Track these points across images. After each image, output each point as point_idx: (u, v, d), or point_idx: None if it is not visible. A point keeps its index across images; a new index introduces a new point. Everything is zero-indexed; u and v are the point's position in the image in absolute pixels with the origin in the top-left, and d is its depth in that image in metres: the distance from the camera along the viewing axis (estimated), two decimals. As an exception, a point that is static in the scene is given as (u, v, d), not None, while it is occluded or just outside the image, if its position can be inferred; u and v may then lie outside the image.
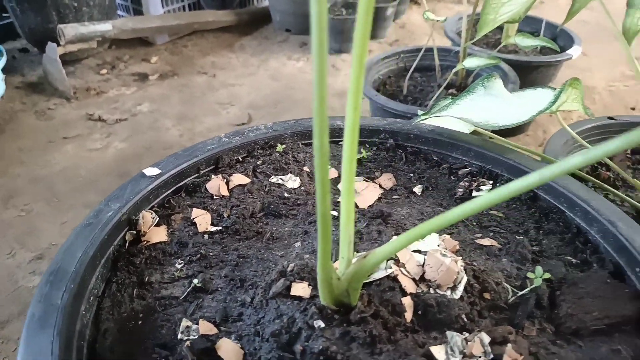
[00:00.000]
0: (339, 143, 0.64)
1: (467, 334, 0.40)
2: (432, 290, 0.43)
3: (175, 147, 1.32)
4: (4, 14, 1.89)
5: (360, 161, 0.62)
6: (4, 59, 1.46)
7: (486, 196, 0.31)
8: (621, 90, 1.57)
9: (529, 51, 1.28)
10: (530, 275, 0.44)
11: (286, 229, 0.52)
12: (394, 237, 0.48)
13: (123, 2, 1.93)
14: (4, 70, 1.45)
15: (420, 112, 0.81)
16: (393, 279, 0.42)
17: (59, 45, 1.57)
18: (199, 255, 0.47)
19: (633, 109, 1.49)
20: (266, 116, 1.46)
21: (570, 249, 0.50)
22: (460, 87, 1.09)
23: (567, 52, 1.19)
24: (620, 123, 0.84)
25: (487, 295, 0.44)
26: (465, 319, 0.41)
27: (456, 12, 2.20)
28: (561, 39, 1.35)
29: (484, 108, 0.61)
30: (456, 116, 0.58)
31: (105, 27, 1.63)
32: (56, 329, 0.36)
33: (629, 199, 0.68)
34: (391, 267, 0.44)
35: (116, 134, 1.38)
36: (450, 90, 1.10)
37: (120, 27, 1.66)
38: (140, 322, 0.42)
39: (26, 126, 1.43)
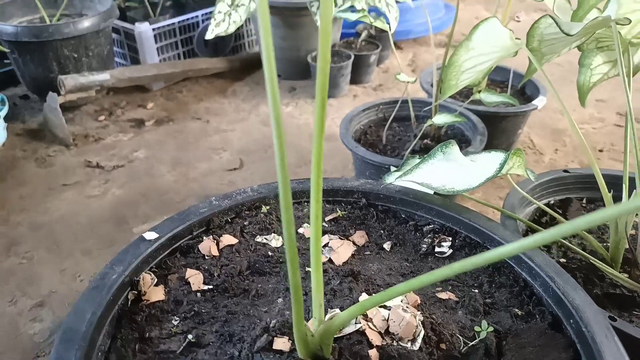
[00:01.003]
0: (294, 205, 0.71)
1: (423, 382, 0.47)
2: (395, 343, 0.50)
3: (169, 192, 1.40)
4: (5, 61, 1.98)
5: (336, 220, 0.69)
6: (6, 108, 1.54)
7: (444, 270, 0.38)
8: (590, 133, 1.68)
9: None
10: (476, 329, 0.51)
11: (270, 285, 0.59)
12: (363, 295, 0.55)
13: (121, 50, 2.03)
14: (5, 118, 1.53)
15: (392, 168, 0.90)
16: (361, 333, 0.49)
17: (59, 94, 1.65)
18: (192, 312, 0.54)
19: (601, 150, 1.59)
20: (257, 161, 1.54)
21: (517, 301, 0.57)
22: (434, 137, 1.18)
23: (533, 102, 1.29)
24: (575, 175, 0.93)
25: (442, 346, 0.51)
26: (421, 368, 0.48)
27: (437, 55, 2.32)
28: (529, 87, 1.46)
29: (443, 173, 0.69)
30: (417, 181, 0.66)
31: (103, 77, 1.72)
32: (71, 384, 0.42)
33: (576, 248, 0.76)
34: (360, 322, 0.51)
35: (113, 181, 1.45)
36: (425, 140, 1.19)
37: (117, 76, 1.75)
38: (141, 375, 0.48)
39: (27, 173, 1.50)
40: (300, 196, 0.72)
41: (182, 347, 0.51)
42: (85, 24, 1.70)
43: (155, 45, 1.94)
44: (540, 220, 0.90)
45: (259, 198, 0.69)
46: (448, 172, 0.69)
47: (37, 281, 1.10)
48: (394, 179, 0.70)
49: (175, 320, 0.53)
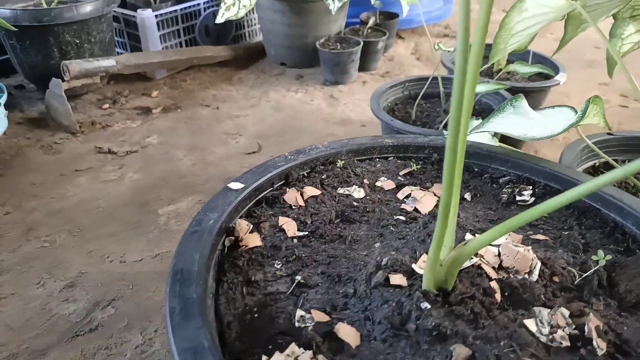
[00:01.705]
0: (365, 160, 0.70)
1: (549, 310, 0.46)
2: (512, 276, 0.49)
3: (189, 176, 1.36)
4: (-1, 51, 1.90)
5: (411, 174, 0.68)
6: (5, 96, 1.47)
7: (554, 200, 0.37)
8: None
9: (520, 78, 1.39)
10: (593, 257, 0.51)
11: (362, 232, 0.57)
12: (468, 235, 0.54)
13: (121, 39, 1.98)
14: (4, 106, 1.47)
15: (445, 132, 0.89)
16: (478, 267, 0.48)
17: (63, 80, 1.60)
18: (294, 257, 0.52)
19: (609, 132, 1.62)
20: (275, 145, 1.51)
21: (611, 240, 0.57)
22: (466, 111, 1.18)
23: (555, 78, 1.31)
24: (617, 138, 0.94)
25: (556, 279, 0.50)
26: (544, 298, 0.47)
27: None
28: (545, 66, 1.48)
29: (517, 124, 0.69)
30: (497, 131, 0.66)
31: (109, 62, 1.67)
32: (201, 319, 0.40)
33: None
34: (473, 258, 0.49)
35: (129, 166, 1.41)
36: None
37: (123, 62, 1.71)
38: (256, 315, 0.46)
39: (34, 161, 1.44)
40: (372, 152, 0.70)
41: (291, 289, 0.49)
42: (88, 8, 1.65)
43: (158, 32, 1.90)
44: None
45: (331, 154, 0.67)
46: (522, 123, 0.68)
47: (63, 264, 1.06)
48: (470, 132, 0.69)
49: (278, 264, 0.51)
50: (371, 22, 2.01)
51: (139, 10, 1.84)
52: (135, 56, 1.77)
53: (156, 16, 1.87)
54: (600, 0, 0.87)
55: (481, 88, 1.01)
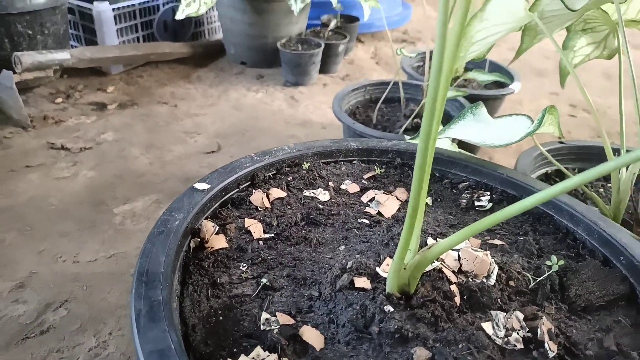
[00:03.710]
0: (330, 163, 0.71)
1: (504, 313, 0.48)
2: (471, 279, 0.50)
3: (147, 174, 1.33)
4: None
5: (375, 177, 0.70)
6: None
7: (512, 207, 0.39)
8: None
9: (477, 85, 1.44)
10: (547, 263, 0.53)
11: (327, 235, 0.58)
12: (429, 239, 0.56)
13: (75, 32, 1.91)
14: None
15: (407, 137, 0.91)
16: (439, 271, 0.50)
17: (14, 73, 1.52)
18: (259, 259, 0.52)
19: (560, 139, 1.70)
20: (235, 144, 1.50)
21: (563, 246, 0.60)
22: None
23: (510, 86, 1.37)
24: (568, 146, 0.99)
25: (512, 283, 0.52)
26: (500, 302, 0.49)
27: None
28: (501, 75, 1.53)
29: (477, 131, 0.71)
30: (458, 137, 0.68)
31: (63, 55, 1.61)
32: (167, 321, 0.39)
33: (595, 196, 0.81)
34: (435, 262, 0.51)
35: (83, 163, 1.36)
36: (415, 120, 1.22)
37: (78, 56, 1.65)
38: (221, 318, 0.46)
39: (-20, 155, 1.36)
40: (337, 155, 0.71)
41: (257, 291, 0.49)
42: (42, -2, 1.58)
43: (115, 27, 1.84)
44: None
45: (297, 156, 0.68)
46: (482, 130, 0.71)
47: (12, 263, 1.01)
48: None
49: (244, 267, 0.51)
50: (332, 24, 2.03)
51: (95, 3, 1.78)
52: (91, 50, 1.71)
53: (113, 10, 1.81)
54: (555, 13, 0.91)
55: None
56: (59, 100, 1.69)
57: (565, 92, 2.01)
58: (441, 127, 0.78)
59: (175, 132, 1.56)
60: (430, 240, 0.55)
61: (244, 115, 1.69)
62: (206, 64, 2.08)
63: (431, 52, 1.38)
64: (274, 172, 0.66)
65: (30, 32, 1.62)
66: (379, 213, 0.62)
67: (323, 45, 1.87)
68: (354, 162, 0.72)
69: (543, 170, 0.97)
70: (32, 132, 1.49)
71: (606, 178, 1.01)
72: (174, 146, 1.48)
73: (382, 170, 0.71)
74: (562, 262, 0.53)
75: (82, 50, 1.68)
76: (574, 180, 0.36)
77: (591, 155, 0.99)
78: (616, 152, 0.89)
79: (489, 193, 0.68)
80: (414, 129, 1.21)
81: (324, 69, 2.00)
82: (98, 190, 1.25)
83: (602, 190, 0.95)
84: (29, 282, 0.96)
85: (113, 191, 1.25)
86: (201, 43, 2.10)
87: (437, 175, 0.72)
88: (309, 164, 0.68)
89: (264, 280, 0.49)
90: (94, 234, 1.10)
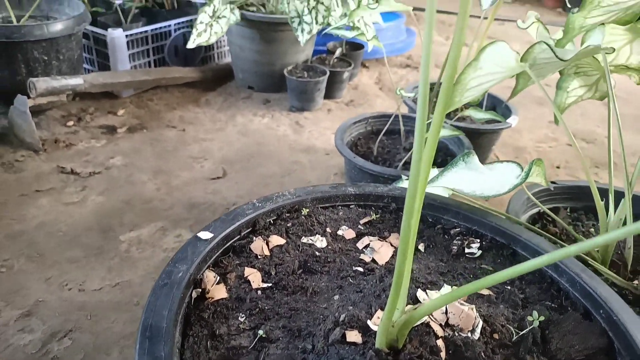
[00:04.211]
0: (328, 208, 0.75)
1: (487, 367, 0.51)
2: (456, 334, 0.53)
3: (154, 200, 1.37)
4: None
5: (371, 222, 0.73)
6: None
7: (507, 271, 0.42)
8: (547, 151, 1.82)
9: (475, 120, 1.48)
10: (529, 318, 0.56)
11: (323, 284, 0.61)
12: (419, 291, 0.59)
13: (89, 55, 1.97)
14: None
15: (404, 177, 0.94)
16: (426, 325, 0.53)
17: (28, 97, 1.58)
18: (257, 309, 0.55)
19: (558, 167, 1.73)
20: (240, 171, 1.54)
21: (548, 296, 0.63)
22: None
23: (507, 121, 1.40)
24: (560, 186, 1.02)
25: (496, 336, 0.55)
26: (484, 355, 0.52)
27: (400, 76, 2.43)
28: (499, 108, 1.57)
29: (468, 180, 0.74)
30: (449, 187, 0.71)
31: (76, 81, 1.66)
32: (168, 377, 0.43)
33: (583, 240, 0.84)
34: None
35: (92, 188, 1.40)
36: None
37: (91, 81, 1.70)
38: (220, 370, 0.49)
39: (-7, 179, 1.41)
40: (335, 200, 0.74)
41: (253, 343, 0.52)
42: (59, 26, 1.64)
43: (128, 52, 1.90)
44: (535, 225, 0.98)
45: (297, 201, 0.71)
46: (472, 179, 0.74)
47: (21, 290, 1.04)
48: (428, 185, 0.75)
49: (242, 317, 0.54)
50: (338, 52, 2.08)
51: (109, 30, 1.84)
52: (103, 75, 1.76)
53: (127, 36, 1.87)
54: (548, 61, 0.94)
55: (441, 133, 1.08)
56: (71, 123, 1.74)
57: (564, 121, 2.03)
58: (435, 172, 0.82)
59: (182, 157, 1.60)
60: (420, 293, 0.58)
61: (250, 140, 1.73)
62: (215, 87, 2.13)
63: (431, 85, 1.42)
64: (275, 217, 0.69)
65: (45, 58, 1.68)
66: (374, 260, 0.66)
67: (328, 73, 1.92)
68: (351, 206, 0.75)
69: (535, 210, 1.00)
70: (44, 156, 1.54)
71: (598, 218, 1.04)
72: (181, 171, 1.52)
73: (378, 216, 0.74)
74: (542, 318, 0.56)
75: (95, 76, 1.74)
76: (571, 249, 0.38)
77: (582, 195, 1.02)
78: (604, 193, 0.92)
79: (478, 240, 0.71)
80: (413, 163, 1.24)
81: (329, 95, 2.04)
82: (106, 216, 1.29)
83: (592, 230, 0.98)
84: (35, 310, 1.00)
85: (120, 217, 1.29)
86: (211, 67, 2.15)
87: (430, 220, 0.75)
88: (307, 210, 0.71)
89: (260, 332, 0.52)
90: (101, 261, 1.13)
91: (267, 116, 1.91)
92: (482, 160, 1.53)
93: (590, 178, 0.89)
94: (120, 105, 1.90)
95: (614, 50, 0.96)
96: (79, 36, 1.77)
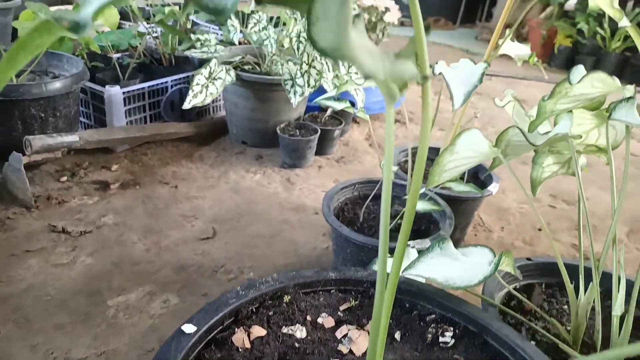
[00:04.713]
0: (310, 294, 0.78)
1: None
2: None
3: (142, 262, 1.39)
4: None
5: (350, 309, 0.76)
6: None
7: None
8: (529, 212, 1.87)
9: (459, 185, 1.53)
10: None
11: (300, 377, 0.63)
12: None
13: (86, 110, 2.02)
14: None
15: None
16: None
17: (24, 154, 1.62)
18: (235, 407, 0.57)
19: (540, 229, 1.78)
20: (230, 230, 1.57)
21: (517, 389, 0.66)
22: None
23: (489, 188, 1.45)
24: (535, 263, 1.06)
25: None
26: None
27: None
28: (481, 173, 1.63)
29: (442, 267, 0.78)
30: (424, 276, 0.75)
31: (72, 138, 1.71)
32: None
33: (543, 332, 0.87)
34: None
35: (82, 248, 1.42)
36: (399, 221, 1.29)
37: (86, 138, 1.75)
38: None
39: (-15, 237, 1.43)
40: (316, 285, 0.78)
41: None
42: (57, 85, 1.70)
43: (124, 108, 1.96)
44: (509, 303, 1.02)
45: (280, 287, 0.74)
46: (447, 266, 0.78)
47: (5, 358, 1.05)
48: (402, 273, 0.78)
49: (221, 415, 0.57)
50: (329, 110, 2.15)
51: (107, 87, 1.90)
52: (99, 132, 1.81)
53: (124, 93, 1.93)
54: (521, 143, 1.00)
55: (419, 207, 1.12)
56: (64, 178, 1.78)
57: (546, 183, 2.09)
58: (413, 253, 0.86)
59: (173, 215, 1.63)
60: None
61: (241, 198, 1.77)
62: (209, 142, 2.18)
63: (413, 149, 1.47)
64: (257, 305, 0.72)
65: (42, 115, 1.73)
66: (351, 351, 0.68)
67: (319, 131, 1.98)
68: (331, 291, 0.79)
69: (513, 285, 1.04)
70: (35, 213, 1.57)
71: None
72: (171, 231, 1.55)
73: (357, 302, 0.77)
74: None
75: (90, 133, 1.79)
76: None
77: (556, 271, 1.06)
78: (573, 270, 0.96)
79: (452, 328, 0.74)
80: (397, 230, 1.28)
81: (320, 151, 2.10)
82: (94, 280, 1.30)
83: (565, 307, 1.01)
84: (21, 380, 1.01)
85: (109, 280, 1.31)
86: (205, 122, 2.22)
87: (407, 305, 0.78)
88: (289, 296, 0.74)
89: None
90: (88, 328, 1.15)
91: (259, 172, 1.96)
92: (467, 224, 1.58)
93: (558, 256, 0.94)
94: (115, 159, 1.94)
95: (580, 136, 1.03)
96: (76, 93, 1.83)
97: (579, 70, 0.93)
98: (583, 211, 0.95)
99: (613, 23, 3.81)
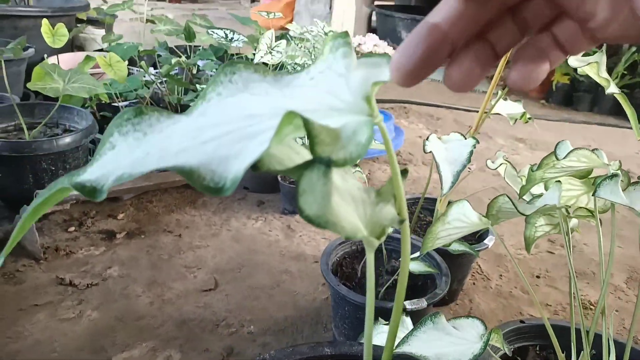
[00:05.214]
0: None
1: None
2: None
3: (146, 317, 1.42)
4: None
5: (343, 385, 0.79)
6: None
7: None
8: (527, 259, 1.90)
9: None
10: None
11: None
12: None
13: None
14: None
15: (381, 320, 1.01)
16: None
17: (33, 208, 1.67)
18: None
19: (538, 277, 1.80)
20: (231, 281, 1.60)
21: None
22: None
23: (485, 242, 1.49)
24: (529, 325, 1.09)
25: None
26: None
27: (389, 173, 2.55)
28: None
29: (434, 342, 0.81)
30: (416, 354, 0.78)
31: (80, 190, 1.76)
32: None
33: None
34: None
35: (88, 302, 1.46)
36: (395, 277, 1.33)
37: (93, 190, 1.80)
38: None
39: (-6, 290, 1.47)
40: (311, 361, 0.81)
41: None
42: (67, 140, 1.77)
43: (130, 157, 2.02)
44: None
45: (276, 365, 0.78)
46: (439, 341, 0.81)
47: (12, 421, 1.08)
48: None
49: None
50: (330, 157, 2.20)
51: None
52: (106, 183, 1.87)
53: (129, 143, 2.00)
54: (510, 211, 1.04)
55: (414, 268, 1.16)
56: (72, 228, 1.82)
57: (546, 226, 2.12)
58: (404, 325, 0.89)
59: (176, 266, 1.67)
60: None
61: (242, 247, 1.81)
62: (211, 187, 2.23)
63: (409, 200, 1.51)
64: (254, 383, 0.76)
65: (53, 169, 1.79)
66: None
67: (319, 179, 2.03)
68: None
69: (508, 346, 1.06)
70: (44, 265, 1.61)
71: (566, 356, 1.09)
72: (174, 282, 1.58)
73: (351, 377, 0.80)
74: None
75: (97, 183, 1.84)
76: None
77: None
78: (566, 332, 0.98)
79: (443, 405, 0.77)
80: (394, 287, 1.32)
81: (320, 197, 2.14)
82: (99, 335, 1.34)
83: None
84: None
85: (113, 336, 1.34)
86: (207, 167, 2.27)
87: (400, 380, 0.81)
88: (285, 375, 0.77)
89: None
90: (92, 387, 1.18)
91: (260, 219, 2.00)
92: (464, 276, 1.61)
93: (546, 321, 0.96)
94: (121, 208, 1.99)
95: (569, 207, 1.07)
96: (85, 146, 1.90)
97: (565, 146, 0.98)
98: (574, 285, 0.98)
99: (610, 61, 3.89)
